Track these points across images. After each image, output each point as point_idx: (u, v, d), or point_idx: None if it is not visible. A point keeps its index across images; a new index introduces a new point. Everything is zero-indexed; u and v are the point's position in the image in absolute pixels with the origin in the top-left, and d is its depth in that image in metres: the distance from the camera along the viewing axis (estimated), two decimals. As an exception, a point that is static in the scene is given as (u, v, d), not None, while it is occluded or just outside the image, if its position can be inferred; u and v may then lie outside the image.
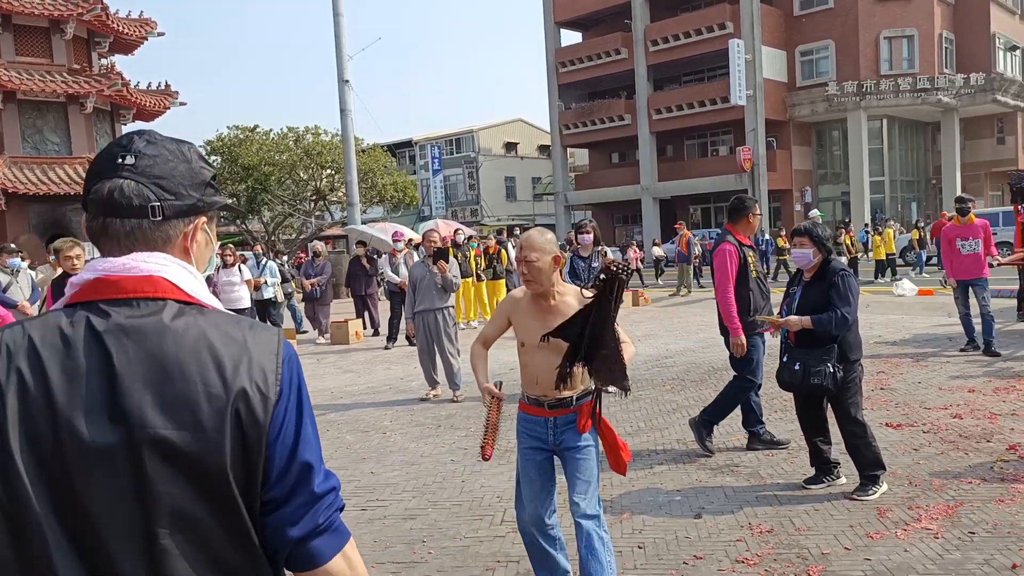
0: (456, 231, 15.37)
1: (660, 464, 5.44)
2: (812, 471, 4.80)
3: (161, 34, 24.97)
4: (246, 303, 10.03)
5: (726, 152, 37.81)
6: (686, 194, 37.82)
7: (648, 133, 37.66)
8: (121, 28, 23.76)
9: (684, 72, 38.32)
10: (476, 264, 14.20)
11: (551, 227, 40.12)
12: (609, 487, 4.86)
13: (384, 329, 12.79)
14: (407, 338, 8.65)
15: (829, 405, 4.68)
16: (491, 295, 14.25)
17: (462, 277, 13.82)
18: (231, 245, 11.95)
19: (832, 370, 4.39)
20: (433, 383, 8.04)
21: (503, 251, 14.58)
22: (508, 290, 13.06)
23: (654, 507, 4.59)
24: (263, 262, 11.81)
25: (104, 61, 24.14)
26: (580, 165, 48.66)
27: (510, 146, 52.34)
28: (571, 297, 3.22)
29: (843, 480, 4.73)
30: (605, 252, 7.73)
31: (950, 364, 8.28)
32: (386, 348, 11.75)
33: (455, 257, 13.98)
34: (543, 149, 50.76)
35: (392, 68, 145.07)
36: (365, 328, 13.57)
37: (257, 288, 11.28)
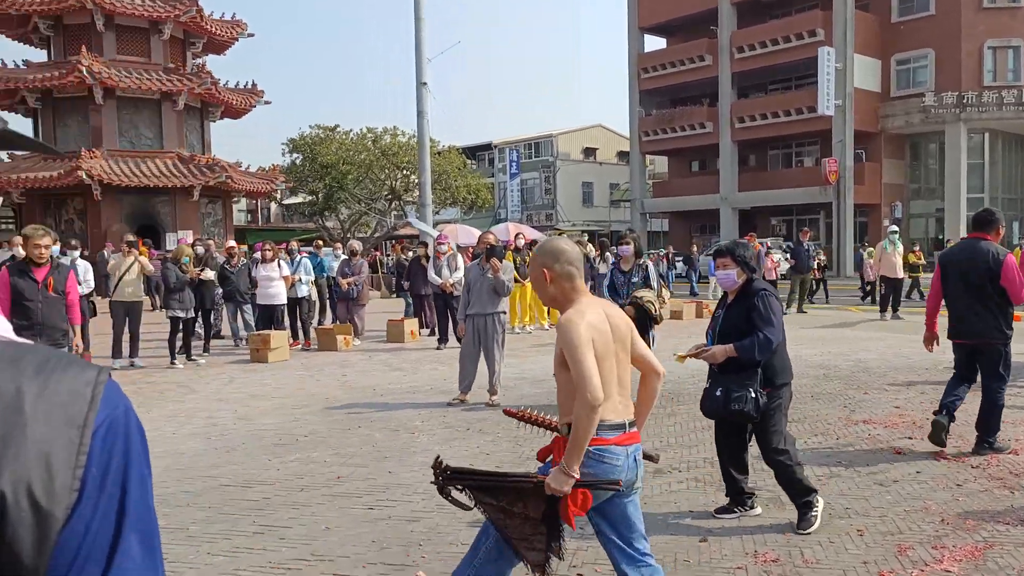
0: (517, 235, 15.31)
1: (680, 483, 5.26)
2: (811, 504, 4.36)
3: (251, 35, 25.95)
4: (282, 299, 10.23)
5: (811, 163, 36.59)
6: (767, 205, 36.79)
7: (730, 142, 36.82)
8: (214, 29, 24.80)
9: (770, 80, 37.31)
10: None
11: (627, 234, 39.68)
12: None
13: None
14: (458, 339, 8.68)
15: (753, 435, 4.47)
16: (535, 300, 14.17)
17: (523, 279, 13.83)
18: (271, 241, 12.16)
19: (755, 395, 4.17)
20: (465, 388, 8.00)
21: None
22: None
23: (662, 526, 4.43)
24: (297, 259, 12.01)
25: (197, 60, 25.22)
26: (659, 172, 48.01)
27: (588, 151, 52.11)
28: None
29: (758, 511, 4.53)
30: (647, 267, 7.48)
31: (1021, 396, 7.74)
32: (438, 348, 11.83)
33: (513, 261, 14.06)
34: (622, 155, 50.32)
35: (472, 71, 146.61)
36: (423, 328, 13.70)
37: (291, 286, 11.51)
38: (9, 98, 23.14)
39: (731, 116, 36.40)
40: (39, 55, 24.14)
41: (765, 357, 4.19)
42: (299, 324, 12.31)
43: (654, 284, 7.30)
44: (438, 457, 3.03)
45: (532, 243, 16.95)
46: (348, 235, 28.92)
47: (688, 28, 38.77)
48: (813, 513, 4.26)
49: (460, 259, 12.15)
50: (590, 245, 16.56)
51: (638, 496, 2.88)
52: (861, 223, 34.98)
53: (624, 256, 7.46)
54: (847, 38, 32.59)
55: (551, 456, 2.91)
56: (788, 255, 19.03)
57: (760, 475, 5.14)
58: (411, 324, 13.22)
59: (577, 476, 2.62)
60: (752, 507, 4.56)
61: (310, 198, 28.30)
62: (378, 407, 7.91)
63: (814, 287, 18.66)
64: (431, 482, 2.89)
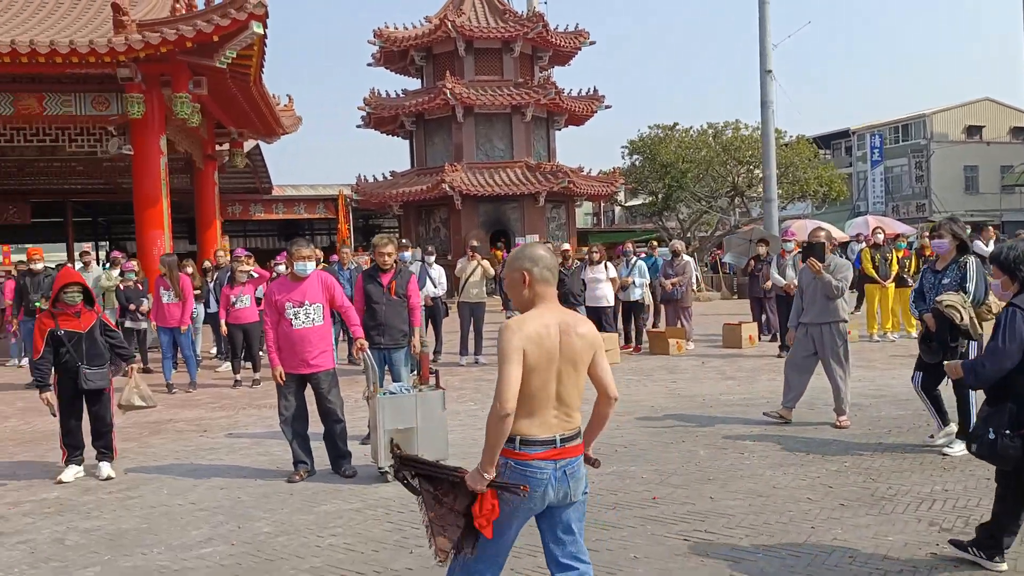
0: (876, 229, 13.43)
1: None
2: None
3: (592, 43, 26.59)
4: (609, 301, 9.97)
5: None
6: None
7: None
8: (558, 42, 25.89)
9: None
10: (901, 267, 12.26)
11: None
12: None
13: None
14: (786, 347, 7.72)
15: None
16: (896, 303, 12.20)
17: (882, 279, 12.09)
18: (598, 244, 11.96)
19: (993, 437, 3.69)
20: (788, 403, 7.01)
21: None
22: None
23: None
24: (632, 261, 11.59)
25: (543, 73, 26.57)
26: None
27: (972, 130, 44.90)
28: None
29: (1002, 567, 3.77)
30: (967, 265, 5.73)
31: None
32: (779, 356, 10.76)
33: (872, 260, 12.34)
34: (1016, 132, 42.56)
35: (824, 53, 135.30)
36: (763, 333, 12.66)
37: (624, 288, 11.16)
38: (391, 123, 26.54)
39: None
40: (413, 83, 27.36)
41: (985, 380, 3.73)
42: (632, 328, 12.08)
43: (970, 287, 5.65)
44: (392, 440, 3.42)
45: (896, 237, 14.83)
46: (688, 234, 28.35)
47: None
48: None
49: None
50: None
51: (581, 507, 2.96)
52: None
53: (939, 253, 5.93)
54: None
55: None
56: None
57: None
58: (750, 328, 12.27)
59: (490, 477, 2.77)
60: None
61: (650, 199, 28.25)
62: (705, 420, 7.29)
63: None
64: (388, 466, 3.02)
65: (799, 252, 6.97)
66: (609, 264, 10.64)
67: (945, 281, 5.79)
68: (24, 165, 20.79)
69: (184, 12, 13.09)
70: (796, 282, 10.48)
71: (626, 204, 38.62)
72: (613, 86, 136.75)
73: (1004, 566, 3.76)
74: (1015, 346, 3.62)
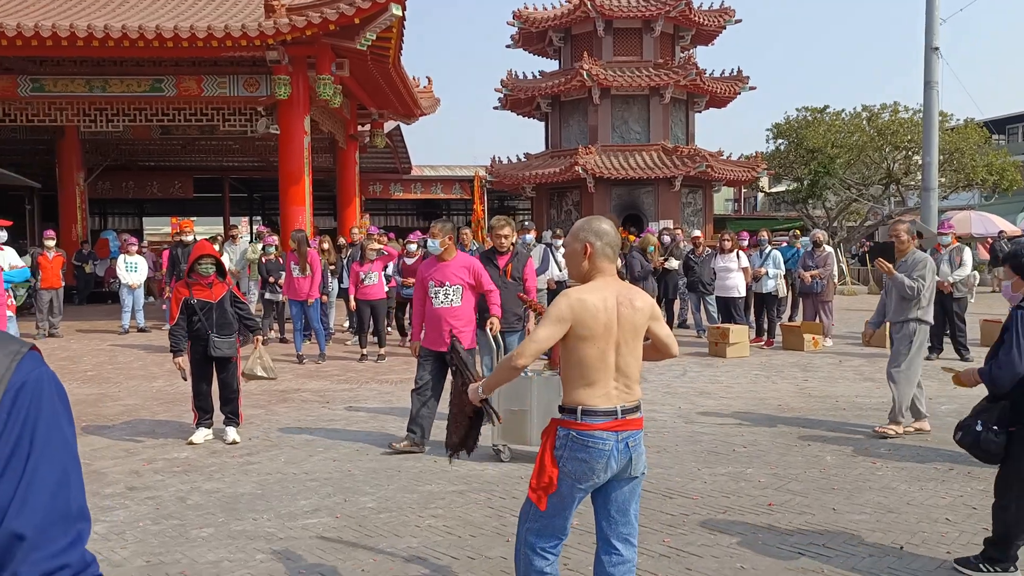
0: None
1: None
2: None
3: (738, 21, 25.46)
4: (740, 292, 9.47)
5: None
6: None
7: None
8: (702, 20, 24.97)
9: None
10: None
11: None
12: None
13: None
14: (937, 348, 7.06)
15: None
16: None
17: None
18: (730, 231, 11.35)
19: (979, 429, 3.82)
20: (915, 414, 6.39)
21: None
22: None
23: None
24: (767, 251, 10.89)
25: (684, 54, 25.72)
26: None
27: None
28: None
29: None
30: None
31: None
32: (928, 359, 9.88)
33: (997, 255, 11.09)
34: None
35: (997, 28, 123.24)
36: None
37: (757, 279, 10.53)
38: (528, 105, 26.54)
39: None
40: (551, 65, 27.20)
41: (1001, 384, 3.70)
42: (764, 320, 11.48)
43: None
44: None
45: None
46: (835, 224, 26.68)
47: None
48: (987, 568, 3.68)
49: (967, 253, 10.01)
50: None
51: (638, 485, 2.92)
52: None
53: None
54: None
55: None
56: None
57: None
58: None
59: (483, 397, 3.18)
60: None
61: (794, 185, 26.75)
62: (836, 424, 6.79)
63: None
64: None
65: (867, 252, 6.40)
66: (741, 253, 10.11)
67: None
68: (187, 143, 22.40)
69: (329, -4, 13.52)
70: (951, 279, 9.65)
71: (769, 191, 36.89)
72: (758, 66, 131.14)
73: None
74: None
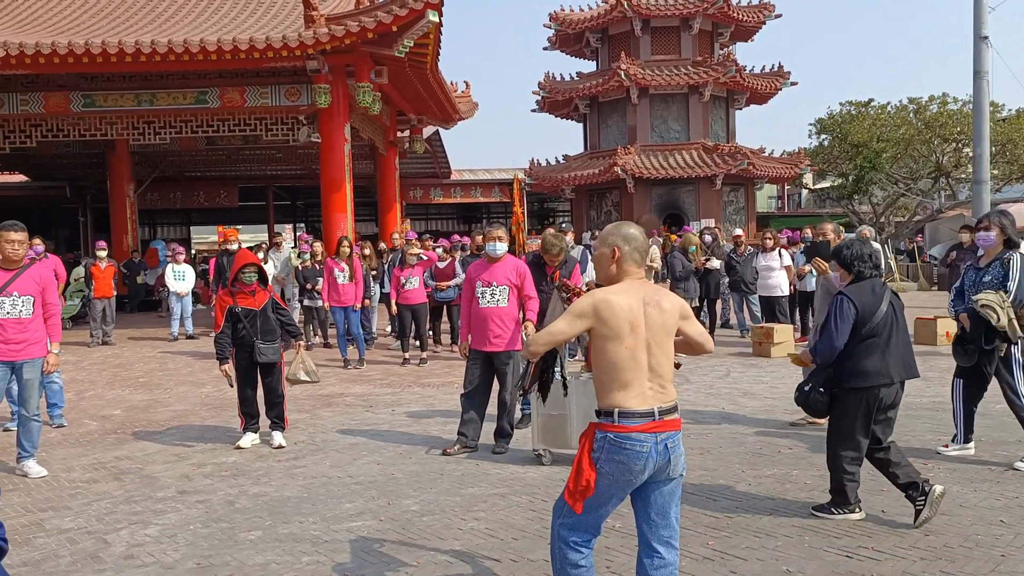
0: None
1: None
2: None
3: (778, 16, 25.12)
4: (783, 290, 9.32)
5: None
6: None
7: None
8: (741, 16, 24.70)
9: None
10: None
11: None
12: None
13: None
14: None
15: None
16: None
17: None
18: (772, 229, 11.17)
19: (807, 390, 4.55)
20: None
21: None
22: None
23: None
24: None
25: (723, 51, 25.43)
26: None
27: None
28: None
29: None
30: (1011, 262, 5.24)
31: None
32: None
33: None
34: None
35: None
36: (963, 329, 11.38)
37: (800, 277, 10.34)
38: (565, 107, 26.52)
39: None
40: (588, 66, 27.13)
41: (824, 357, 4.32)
42: (808, 319, 11.28)
43: (1012, 286, 5.12)
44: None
45: None
46: (882, 219, 26.08)
47: None
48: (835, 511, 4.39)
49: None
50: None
51: (677, 487, 2.91)
52: None
53: (984, 247, 5.38)
54: None
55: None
56: None
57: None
58: (947, 324, 11.07)
59: (530, 359, 3.90)
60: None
61: (839, 181, 26.23)
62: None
63: None
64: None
65: (801, 251, 6.24)
66: (784, 251, 9.96)
67: (986, 279, 5.28)
68: (232, 153, 22.85)
69: (368, 4, 13.70)
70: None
71: (813, 187, 36.27)
72: (800, 61, 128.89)
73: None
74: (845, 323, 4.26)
